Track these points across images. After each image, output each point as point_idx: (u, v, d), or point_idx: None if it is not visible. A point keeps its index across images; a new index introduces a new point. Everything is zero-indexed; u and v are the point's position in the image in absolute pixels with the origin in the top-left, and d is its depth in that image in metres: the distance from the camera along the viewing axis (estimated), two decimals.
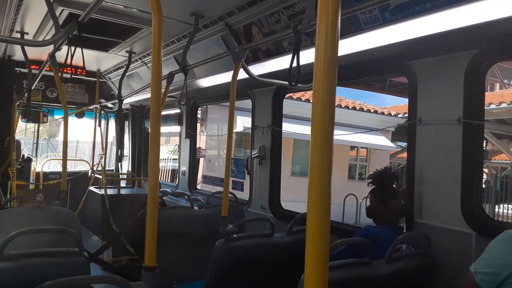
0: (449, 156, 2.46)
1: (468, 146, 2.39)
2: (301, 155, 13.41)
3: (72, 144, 17.00)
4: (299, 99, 11.72)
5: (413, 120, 2.67)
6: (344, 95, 14.23)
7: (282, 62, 3.08)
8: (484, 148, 16.02)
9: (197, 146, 5.82)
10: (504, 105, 9.03)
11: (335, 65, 0.84)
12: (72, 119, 6.73)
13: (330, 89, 0.83)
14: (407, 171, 2.73)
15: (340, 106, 12.69)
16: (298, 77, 2.25)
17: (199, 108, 5.77)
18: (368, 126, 12.91)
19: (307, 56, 2.29)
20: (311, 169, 0.83)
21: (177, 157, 6.46)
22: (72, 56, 2.63)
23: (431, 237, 2.40)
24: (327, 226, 0.80)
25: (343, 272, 1.94)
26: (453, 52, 2.46)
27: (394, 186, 2.64)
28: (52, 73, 3.42)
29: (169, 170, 12.26)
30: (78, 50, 2.70)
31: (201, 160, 11.66)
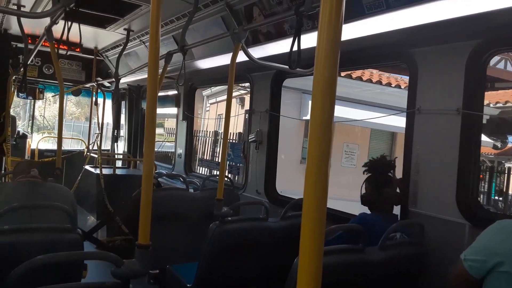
0: (447, 147, 2.46)
1: (466, 137, 2.38)
2: (381, 147, 11.10)
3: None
4: (359, 78, 9.11)
5: (412, 109, 2.65)
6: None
7: (282, 46, 3.03)
8: None
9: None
10: None
11: (337, 49, 0.81)
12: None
13: (331, 74, 0.81)
14: (404, 160, 2.73)
15: (380, 82, 9.77)
16: (299, 61, 2.22)
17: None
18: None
19: (308, 40, 2.26)
20: (309, 154, 0.81)
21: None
22: (68, 30, 2.57)
23: (425, 226, 2.41)
24: (323, 212, 0.79)
25: (336, 257, 1.95)
26: (455, 42, 2.42)
27: (390, 174, 2.64)
28: (48, 49, 3.37)
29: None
30: (75, 25, 2.65)
31: None
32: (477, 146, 2.43)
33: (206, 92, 13.35)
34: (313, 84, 0.83)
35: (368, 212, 2.61)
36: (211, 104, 14.67)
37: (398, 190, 2.65)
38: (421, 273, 2.39)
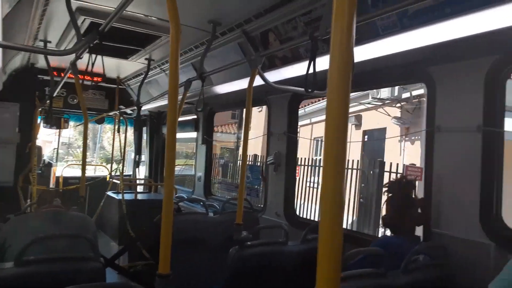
0: (468, 165, 2.41)
1: (488, 154, 2.33)
2: None
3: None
4: None
5: (431, 128, 2.62)
6: None
7: (298, 69, 3.08)
8: None
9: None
10: None
11: (349, 71, 0.83)
12: None
13: (344, 95, 0.83)
14: (424, 179, 2.68)
15: None
16: (314, 83, 2.25)
17: None
18: None
19: (324, 62, 2.28)
20: (323, 174, 0.82)
21: None
22: (93, 64, 2.69)
23: (448, 247, 2.34)
24: (340, 235, 0.79)
25: (357, 282, 1.91)
26: (473, 58, 2.41)
27: (411, 194, 2.59)
28: (73, 81, 3.51)
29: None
30: (99, 57, 2.76)
31: None
32: (500, 164, 2.37)
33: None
34: (327, 105, 0.85)
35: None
36: (300, 126, 12.09)
37: (420, 211, 2.59)
38: None
